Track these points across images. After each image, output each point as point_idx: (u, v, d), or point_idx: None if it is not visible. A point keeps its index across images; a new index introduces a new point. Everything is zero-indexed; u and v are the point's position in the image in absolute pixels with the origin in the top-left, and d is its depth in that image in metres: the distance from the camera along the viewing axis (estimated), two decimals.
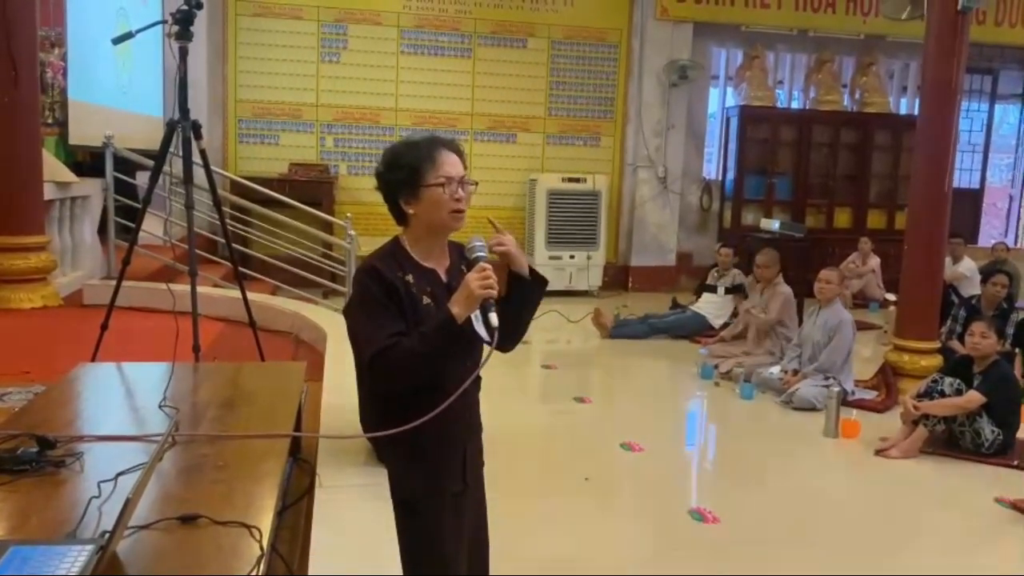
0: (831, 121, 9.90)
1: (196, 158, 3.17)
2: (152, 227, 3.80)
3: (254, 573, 1.21)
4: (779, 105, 10.15)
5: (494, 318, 1.76)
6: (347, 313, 1.93)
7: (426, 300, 1.88)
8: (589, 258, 9.01)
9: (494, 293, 1.78)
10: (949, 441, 4.41)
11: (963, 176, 10.63)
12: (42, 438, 1.61)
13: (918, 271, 5.44)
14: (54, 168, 5.11)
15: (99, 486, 1.43)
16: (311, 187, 8.07)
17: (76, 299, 4.94)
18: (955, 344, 5.93)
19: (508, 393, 5.12)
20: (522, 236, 9.14)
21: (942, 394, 4.40)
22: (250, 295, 3.66)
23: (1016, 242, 11.32)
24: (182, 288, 3.12)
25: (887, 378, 5.51)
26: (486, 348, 1.80)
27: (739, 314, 6.71)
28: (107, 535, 1.21)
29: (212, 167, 3.48)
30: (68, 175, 5.25)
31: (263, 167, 8.49)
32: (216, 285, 5.27)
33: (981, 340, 4.42)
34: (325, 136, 8.88)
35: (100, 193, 5.64)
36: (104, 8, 6.25)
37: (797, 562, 3.21)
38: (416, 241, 1.94)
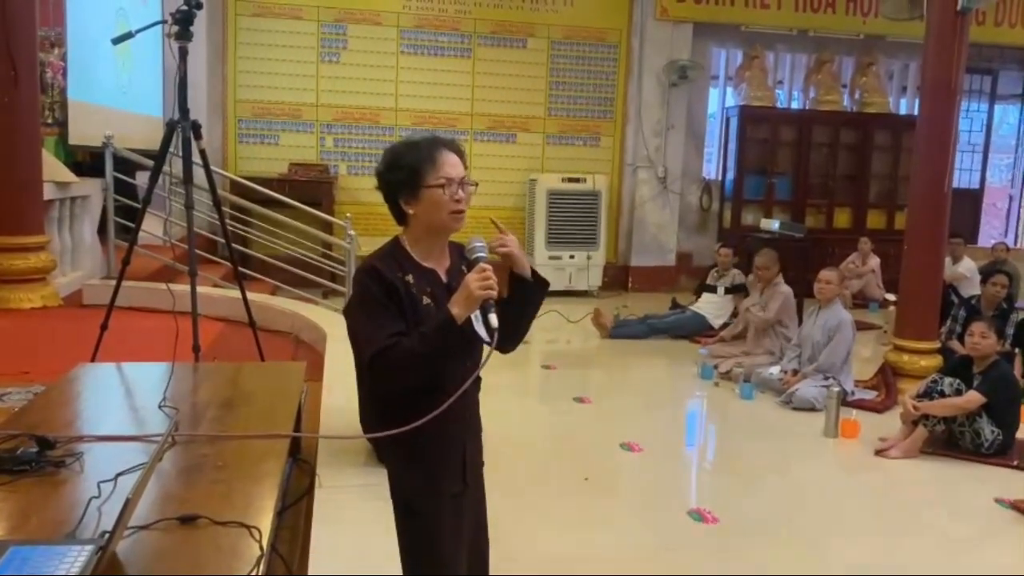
0: (831, 121, 9.89)
1: (196, 158, 3.18)
2: (152, 227, 3.80)
3: (254, 573, 1.21)
4: (779, 105, 10.13)
5: (494, 319, 1.76)
6: (347, 313, 1.93)
7: (426, 300, 1.88)
8: (589, 258, 9.00)
9: (494, 294, 1.78)
10: (949, 441, 4.41)
11: (963, 176, 10.62)
12: (42, 438, 1.61)
13: (918, 271, 5.44)
14: (54, 168, 5.11)
15: (99, 486, 1.43)
16: (311, 187, 8.07)
17: (76, 299, 4.94)
18: (955, 344, 5.93)
19: (508, 393, 5.11)
20: (522, 236, 9.12)
21: (942, 394, 4.40)
22: (250, 295, 3.66)
23: (1016, 242, 11.32)
24: (182, 288, 3.12)
25: (887, 378, 5.51)
26: (486, 349, 1.80)
27: (739, 314, 6.71)
28: (107, 535, 1.21)
29: (212, 167, 3.48)
30: (68, 175, 5.25)
31: (263, 167, 8.48)
32: (216, 285, 5.27)
33: (981, 340, 4.42)
34: (325, 136, 8.88)
35: (100, 193, 5.64)
36: (104, 8, 6.25)
37: (797, 562, 3.20)
38: (416, 241, 1.94)
